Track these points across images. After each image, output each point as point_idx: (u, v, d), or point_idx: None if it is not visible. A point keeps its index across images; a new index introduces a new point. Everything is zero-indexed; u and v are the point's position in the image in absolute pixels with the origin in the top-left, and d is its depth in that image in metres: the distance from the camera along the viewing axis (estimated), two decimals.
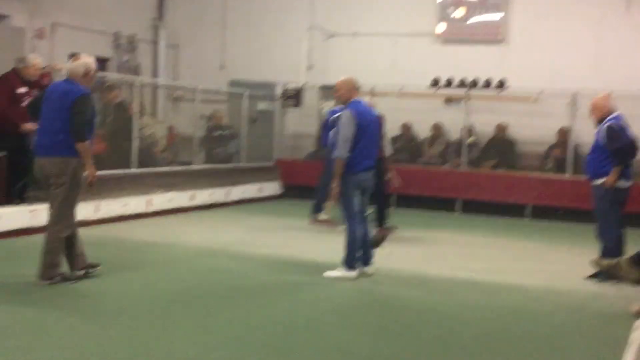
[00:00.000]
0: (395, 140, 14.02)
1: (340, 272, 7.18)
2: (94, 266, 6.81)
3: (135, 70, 14.87)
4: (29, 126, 9.11)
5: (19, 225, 8.80)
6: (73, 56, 7.29)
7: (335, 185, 7.02)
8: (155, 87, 14.87)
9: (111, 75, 13.52)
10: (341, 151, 7.01)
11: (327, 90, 14.22)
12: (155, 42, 15.70)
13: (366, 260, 7.38)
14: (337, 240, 8.28)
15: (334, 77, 13.99)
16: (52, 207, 6.57)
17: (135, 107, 11.50)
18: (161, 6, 15.96)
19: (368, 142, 7.18)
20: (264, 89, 14.58)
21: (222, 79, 15.00)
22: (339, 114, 7.35)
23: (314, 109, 14.64)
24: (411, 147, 14.08)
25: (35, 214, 9.02)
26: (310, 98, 14.66)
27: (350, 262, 7.18)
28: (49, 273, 6.39)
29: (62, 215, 6.53)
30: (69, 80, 6.63)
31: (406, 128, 14.16)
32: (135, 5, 15.26)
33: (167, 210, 11.18)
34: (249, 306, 6.18)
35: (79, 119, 6.38)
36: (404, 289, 7.11)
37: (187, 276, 7.21)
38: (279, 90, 14.69)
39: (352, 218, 7.18)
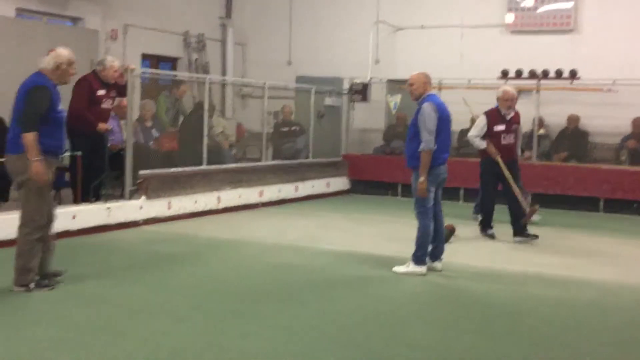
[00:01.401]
0: (464, 133, 13.86)
1: (409, 268, 7.10)
2: (57, 274, 6.43)
3: (205, 69, 15.03)
4: (104, 126, 9.32)
5: (95, 222, 8.96)
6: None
7: (423, 179, 6.93)
8: (223, 85, 14.98)
9: (181, 74, 13.73)
10: (429, 144, 6.91)
11: (394, 84, 14.24)
12: (223, 41, 15.82)
13: (437, 255, 7.30)
14: (407, 236, 8.21)
15: (401, 72, 14.07)
16: (20, 208, 6.22)
17: (205, 105, 11.60)
18: (228, 5, 16.07)
19: (446, 135, 7.16)
20: (330, 84, 14.51)
21: (289, 75, 15.01)
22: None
23: (381, 103, 14.56)
24: None
25: (110, 211, 9.21)
26: (377, 92, 14.57)
27: (420, 257, 7.10)
28: (22, 280, 6.02)
29: (28, 216, 6.09)
30: (38, 72, 6.23)
31: (474, 122, 13.91)
32: (203, 5, 15.40)
33: (236, 207, 11.26)
34: (319, 301, 6.18)
35: (26, 109, 6.01)
36: (474, 283, 6.98)
37: (256, 272, 7.24)
38: (345, 85, 14.62)
39: (426, 213, 7.10)
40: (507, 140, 8.91)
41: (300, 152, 13.70)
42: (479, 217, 9.81)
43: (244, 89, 15.33)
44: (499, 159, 8.81)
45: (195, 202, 10.58)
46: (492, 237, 9.15)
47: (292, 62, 15.53)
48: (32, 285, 6.01)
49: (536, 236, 9.00)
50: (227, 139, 12.66)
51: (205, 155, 11.18)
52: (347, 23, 15.11)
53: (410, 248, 7.14)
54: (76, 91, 9.21)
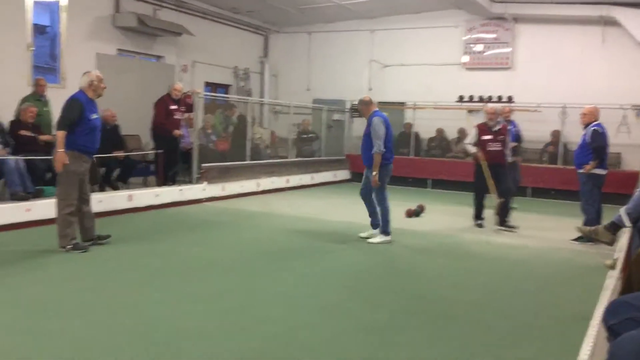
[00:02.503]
0: (431, 140, 13.95)
1: (381, 239, 6.90)
2: (102, 238, 6.18)
3: (248, 93, 15.09)
4: (177, 132, 9.40)
5: (172, 200, 9.06)
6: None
7: (376, 174, 6.68)
8: (261, 104, 15.05)
9: (232, 97, 13.80)
10: (380, 147, 6.66)
11: (382, 105, 14.21)
12: (261, 73, 15.85)
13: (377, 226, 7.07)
14: (393, 211, 8.21)
15: (388, 96, 14.11)
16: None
17: (249, 119, 11.67)
18: (266, 48, 16.12)
19: (390, 140, 6.89)
20: (337, 104, 14.59)
21: (308, 97, 15.06)
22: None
23: None
24: (442, 145, 13.88)
25: (182, 192, 9.31)
26: None
27: (387, 230, 6.91)
28: (61, 242, 5.82)
29: (60, 196, 5.88)
30: (79, 90, 6.00)
31: (439, 132, 13.95)
32: (248, 47, 15.44)
33: (270, 190, 11.34)
34: (326, 257, 6.22)
35: (61, 115, 5.84)
36: (417, 240, 7.03)
37: (282, 235, 7.28)
38: (347, 105, 14.67)
39: (385, 199, 6.90)
40: (492, 147, 8.02)
41: (315, 152, 13.78)
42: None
43: (276, 107, 15.37)
44: (483, 162, 7.98)
45: (242, 186, 10.67)
46: (480, 226, 8.20)
47: (310, 89, 15.55)
48: (68, 247, 5.81)
49: (515, 227, 8.08)
50: (264, 142, 12.73)
51: (248, 153, 11.26)
52: (349, 61, 15.10)
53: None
54: (156, 107, 9.30)
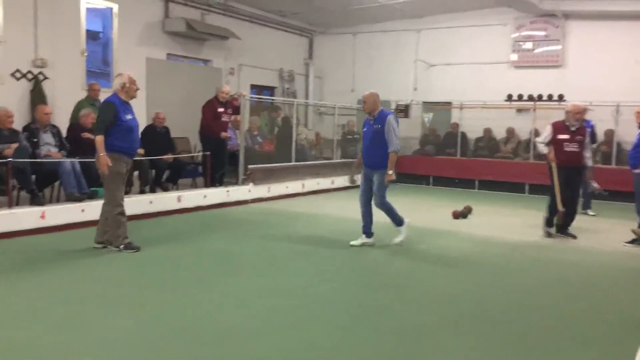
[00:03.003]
0: (478, 140, 13.74)
1: (402, 235, 6.64)
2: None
3: (294, 95, 15.21)
4: (224, 134, 9.56)
5: (219, 201, 9.21)
6: None
7: (392, 172, 6.33)
8: (306, 106, 15.14)
9: (277, 99, 13.94)
10: (398, 146, 6.42)
11: (428, 105, 14.18)
12: (306, 75, 15.94)
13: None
14: (435, 211, 8.15)
15: (433, 96, 14.00)
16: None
17: (294, 120, 11.77)
18: (310, 49, 16.21)
19: None
20: (382, 105, 14.41)
21: (352, 98, 15.01)
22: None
23: (418, 119, 14.49)
24: (490, 146, 13.64)
25: (229, 193, 9.45)
26: (415, 111, 14.49)
27: (400, 220, 6.64)
28: (115, 242, 5.96)
29: (108, 197, 5.99)
30: (113, 93, 6.08)
31: (487, 131, 13.71)
32: (293, 50, 15.56)
33: (315, 191, 11.39)
34: (367, 256, 6.18)
35: (97, 119, 6.05)
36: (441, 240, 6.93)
37: (323, 233, 7.35)
38: (392, 106, 14.58)
39: (385, 198, 6.59)
40: (570, 148, 7.28)
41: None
42: (589, 212, 9.16)
43: (320, 109, 15.44)
44: (553, 165, 7.32)
45: (287, 187, 10.75)
46: (549, 235, 7.51)
47: (355, 89, 15.51)
48: (121, 246, 5.93)
49: (574, 236, 7.49)
50: (308, 143, 12.80)
51: (293, 154, 11.34)
52: (394, 61, 15.02)
53: (430, 221, 7.03)
54: (204, 110, 9.48)
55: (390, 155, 6.35)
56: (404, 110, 14.30)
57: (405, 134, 14.83)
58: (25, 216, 6.62)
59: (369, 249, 6.56)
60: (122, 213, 5.99)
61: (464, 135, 13.81)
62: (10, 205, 6.64)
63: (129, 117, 5.97)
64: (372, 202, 6.63)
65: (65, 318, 4.05)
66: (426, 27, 14.59)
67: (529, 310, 4.53)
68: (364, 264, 5.97)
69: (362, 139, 6.80)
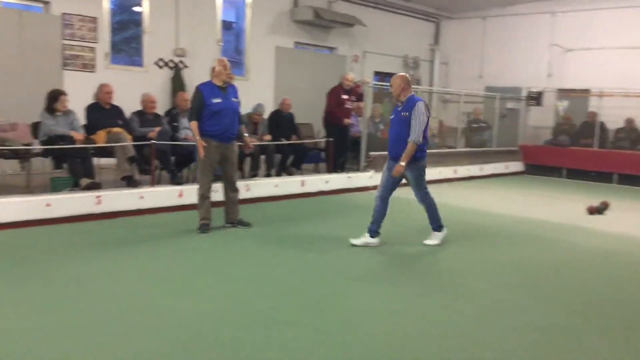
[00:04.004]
0: (618, 131, 12.73)
1: (437, 238, 6.03)
2: (243, 223, 6.35)
3: (418, 82, 15.04)
4: (348, 121, 9.69)
5: (340, 186, 9.35)
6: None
7: (405, 164, 5.60)
8: (430, 93, 14.90)
9: None
10: (420, 137, 5.59)
11: (563, 93, 13.37)
12: (431, 61, 15.70)
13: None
14: (567, 205, 7.69)
15: (569, 83, 13.20)
16: None
17: None
18: (437, 35, 15.90)
19: (427, 130, 5.75)
20: (511, 92, 13.90)
21: (479, 85, 14.59)
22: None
23: (551, 107, 13.70)
24: (632, 137, 12.57)
25: (350, 179, 9.59)
26: (548, 99, 13.72)
27: (439, 225, 6.04)
28: (198, 225, 6.13)
29: (199, 182, 6.14)
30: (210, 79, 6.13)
31: (629, 122, 12.64)
32: (418, 35, 15.36)
33: (436, 180, 11.17)
34: (486, 250, 5.99)
35: (190, 106, 6.19)
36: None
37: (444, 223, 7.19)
38: (523, 93, 13.94)
39: (429, 193, 5.99)
40: None
41: (485, 142, 13.32)
42: None
43: (445, 96, 15.12)
44: None
45: None
46: None
47: (482, 76, 15.03)
48: (197, 228, 6.11)
49: None
50: (431, 131, 12.60)
51: None
52: (527, 45, 14.31)
53: (563, 215, 6.64)
54: (328, 97, 9.66)
55: (408, 145, 5.56)
56: (536, 98, 13.63)
57: (536, 123, 14.17)
58: (165, 194, 7.21)
59: (487, 240, 6.39)
60: (203, 196, 6.09)
61: (602, 124, 12.85)
62: (152, 183, 7.28)
63: (216, 100, 5.93)
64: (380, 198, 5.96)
65: (202, 288, 4.40)
66: (563, 9, 13.71)
67: None
68: (495, 258, 5.82)
69: (389, 127, 6.05)
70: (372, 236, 5.90)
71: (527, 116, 14.08)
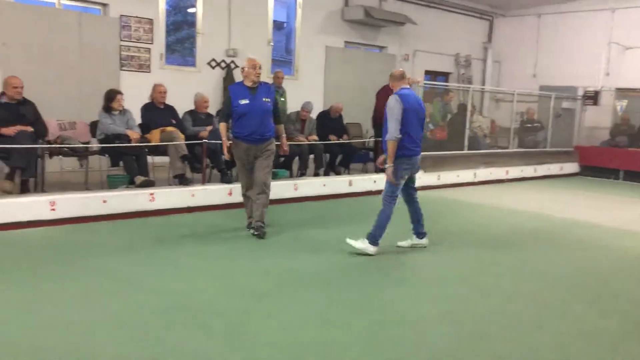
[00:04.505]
0: None
1: (361, 244, 5.43)
2: (258, 230, 5.91)
3: (469, 81, 14.78)
4: None
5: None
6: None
7: (390, 166, 5.32)
8: (482, 92, 14.62)
9: (451, 85, 13.64)
10: (394, 133, 5.27)
11: (622, 92, 12.87)
12: (484, 60, 15.39)
13: (422, 233, 5.80)
14: (624, 208, 7.41)
15: (628, 82, 12.70)
16: None
17: (469, 107, 11.45)
18: (490, 33, 15.57)
19: (416, 125, 5.45)
20: (567, 91, 13.49)
21: (533, 84, 14.23)
22: None
23: (608, 107, 13.22)
24: None
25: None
26: (605, 98, 13.24)
27: (376, 238, 5.42)
28: (246, 223, 6.15)
29: (239, 181, 6.19)
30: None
31: None
32: (470, 33, 15.08)
33: (487, 181, 11.03)
34: (536, 253, 5.84)
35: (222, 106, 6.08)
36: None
37: (495, 226, 7.01)
38: (579, 92, 13.50)
39: (394, 200, 5.44)
40: None
41: (539, 142, 12.97)
42: None
43: (497, 95, 14.80)
44: None
45: (457, 176, 10.55)
46: None
47: (536, 75, 14.64)
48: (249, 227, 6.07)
49: None
50: (482, 131, 12.37)
51: (466, 142, 11.07)
52: (583, 44, 13.83)
53: (619, 219, 6.37)
54: (378, 96, 9.60)
55: (387, 143, 5.31)
56: (592, 97, 13.18)
57: (593, 123, 13.70)
58: (216, 192, 7.34)
59: (538, 243, 6.22)
60: (244, 195, 6.11)
61: None
62: (203, 182, 7.43)
63: (244, 102, 5.80)
64: (415, 198, 5.75)
65: (252, 286, 4.46)
66: (623, 5, 13.19)
67: None
68: (546, 261, 5.67)
69: None
70: (418, 237, 5.81)
71: (583, 116, 13.65)
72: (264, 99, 5.87)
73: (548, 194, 10.13)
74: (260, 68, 5.89)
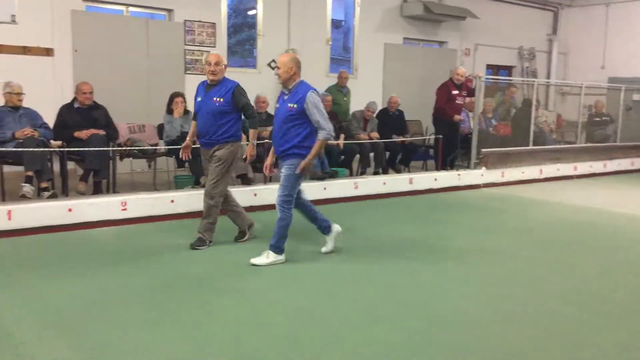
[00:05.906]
0: None
1: (270, 258, 4.90)
2: (196, 244, 5.44)
3: (534, 74, 14.32)
4: (457, 117, 9.43)
5: (450, 184, 9.10)
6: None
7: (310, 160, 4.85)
8: (547, 85, 14.12)
9: (515, 79, 13.26)
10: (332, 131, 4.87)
11: None
12: (549, 52, 14.86)
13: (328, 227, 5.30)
14: None
15: None
16: None
17: (534, 101, 11.09)
18: (555, 24, 15.01)
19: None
20: (638, 83, 12.82)
21: (601, 76, 13.64)
22: None
23: None
24: None
25: (460, 177, 9.29)
26: None
27: (280, 248, 4.95)
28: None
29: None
30: None
31: None
32: (535, 25, 14.59)
33: (554, 177, 10.64)
34: (600, 253, 5.60)
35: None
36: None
37: (558, 224, 6.79)
38: None
39: (293, 201, 4.99)
40: None
41: (609, 137, 12.39)
42: None
43: (563, 88, 14.25)
44: None
45: (522, 172, 10.24)
46: None
47: (605, 66, 14.01)
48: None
49: None
50: (548, 126, 11.94)
51: (531, 138, 10.72)
52: None
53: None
54: (438, 92, 9.45)
55: (318, 142, 4.85)
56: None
57: None
58: (276, 192, 7.38)
59: (607, 243, 5.94)
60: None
61: None
62: (265, 181, 7.52)
63: (198, 99, 5.32)
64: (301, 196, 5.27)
65: (310, 286, 4.49)
66: None
67: None
68: (608, 262, 5.42)
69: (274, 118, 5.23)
70: (326, 232, 5.30)
71: None
72: (214, 99, 5.17)
73: (618, 190, 9.69)
74: (217, 64, 5.17)
